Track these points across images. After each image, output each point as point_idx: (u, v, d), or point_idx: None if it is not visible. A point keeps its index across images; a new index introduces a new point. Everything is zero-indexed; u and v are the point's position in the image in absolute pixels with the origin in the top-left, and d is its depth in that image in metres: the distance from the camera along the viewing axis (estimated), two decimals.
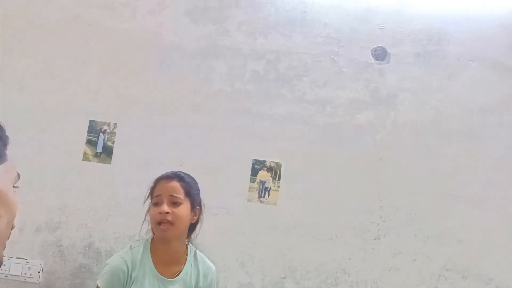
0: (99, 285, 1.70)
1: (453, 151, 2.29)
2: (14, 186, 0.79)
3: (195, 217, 1.80)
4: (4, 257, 0.80)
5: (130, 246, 1.79)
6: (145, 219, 1.79)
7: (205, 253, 1.90)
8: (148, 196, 1.80)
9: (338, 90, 2.37)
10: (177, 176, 1.78)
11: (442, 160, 2.29)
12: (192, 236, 1.84)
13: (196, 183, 1.84)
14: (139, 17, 2.46)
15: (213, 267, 1.88)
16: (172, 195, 1.72)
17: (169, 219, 1.69)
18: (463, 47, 2.36)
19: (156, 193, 1.76)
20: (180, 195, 1.73)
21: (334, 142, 2.33)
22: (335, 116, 2.36)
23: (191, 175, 1.85)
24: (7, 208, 0.74)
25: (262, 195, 2.30)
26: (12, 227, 0.78)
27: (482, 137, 2.29)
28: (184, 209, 1.73)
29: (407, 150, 2.31)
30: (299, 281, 2.25)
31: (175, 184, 1.75)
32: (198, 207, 1.81)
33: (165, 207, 1.70)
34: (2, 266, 2.20)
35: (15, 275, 2.28)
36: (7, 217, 0.74)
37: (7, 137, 0.78)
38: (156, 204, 1.74)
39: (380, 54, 2.37)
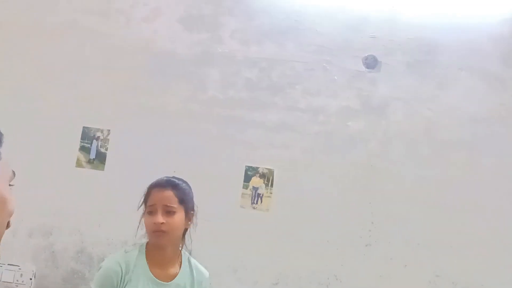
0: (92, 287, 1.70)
1: (444, 160, 2.31)
2: (9, 184, 0.78)
3: (189, 222, 1.80)
4: None
5: (125, 250, 1.78)
6: (139, 224, 1.79)
7: (198, 259, 1.89)
8: (142, 203, 1.80)
9: (330, 99, 2.40)
10: (171, 184, 1.75)
11: (433, 168, 2.31)
12: (187, 240, 1.83)
13: (189, 187, 1.82)
14: (133, 24, 2.47)
15: (207, 273, 1.87)
16: (166, 205, 1.70)
17: (164, 229, 1.68)
18: (453, 56, 2.39)
19: (150, 203, 1.73)
20: (174, 204, 1.71)
21: (326, 149, 2.35)
22: (327, 124, 2.38)
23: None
24: (2, 206, 0.74)
25: (255, 202, 2.31)
26: (8, 226, 0.77)
27: (473, 146, 2.32)
28: (179, 217, 1.72)
29: (398, 158, 2.33)
30: None
31: (169, 193, 1.72)
32: (192, 211, 1.81)
33: (160, 218, 1.68)
34: None
35: (7, 282, 2.27)
36: (3, 215, 0.74)
37: (1, 134, 0.77)
38: (150, 212, 1.74)
39: (371, 63, 2.39)
